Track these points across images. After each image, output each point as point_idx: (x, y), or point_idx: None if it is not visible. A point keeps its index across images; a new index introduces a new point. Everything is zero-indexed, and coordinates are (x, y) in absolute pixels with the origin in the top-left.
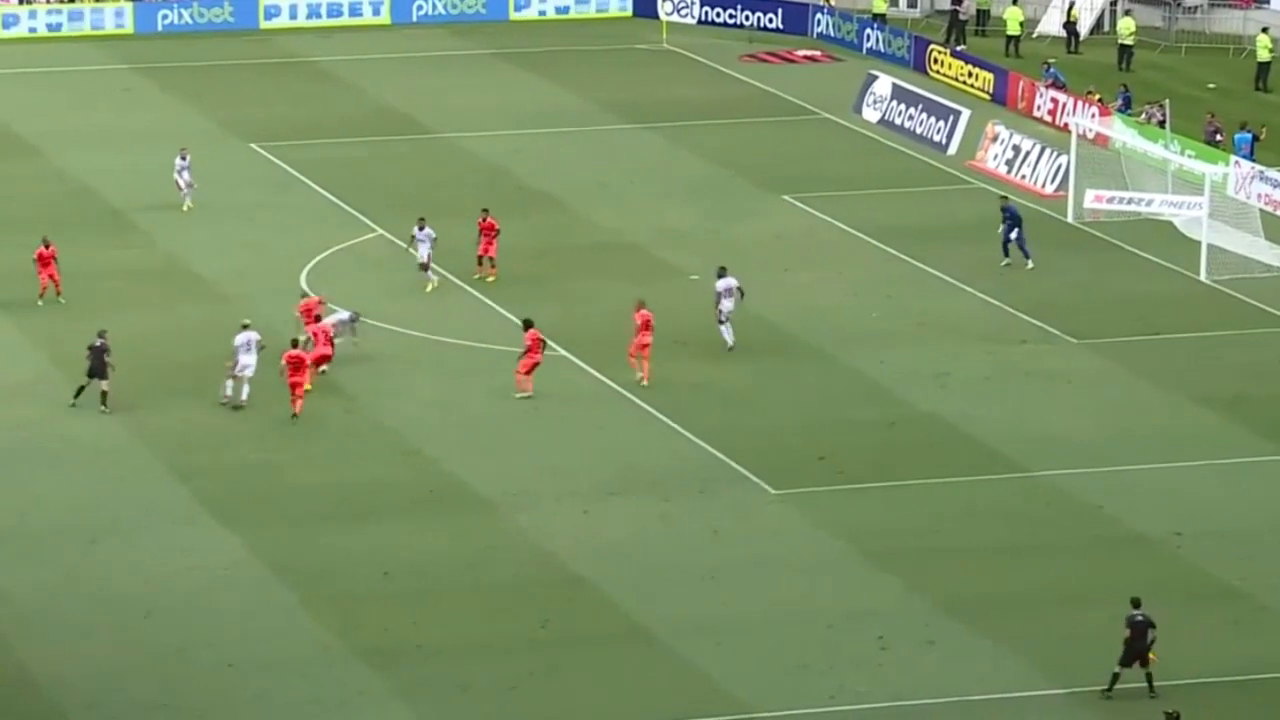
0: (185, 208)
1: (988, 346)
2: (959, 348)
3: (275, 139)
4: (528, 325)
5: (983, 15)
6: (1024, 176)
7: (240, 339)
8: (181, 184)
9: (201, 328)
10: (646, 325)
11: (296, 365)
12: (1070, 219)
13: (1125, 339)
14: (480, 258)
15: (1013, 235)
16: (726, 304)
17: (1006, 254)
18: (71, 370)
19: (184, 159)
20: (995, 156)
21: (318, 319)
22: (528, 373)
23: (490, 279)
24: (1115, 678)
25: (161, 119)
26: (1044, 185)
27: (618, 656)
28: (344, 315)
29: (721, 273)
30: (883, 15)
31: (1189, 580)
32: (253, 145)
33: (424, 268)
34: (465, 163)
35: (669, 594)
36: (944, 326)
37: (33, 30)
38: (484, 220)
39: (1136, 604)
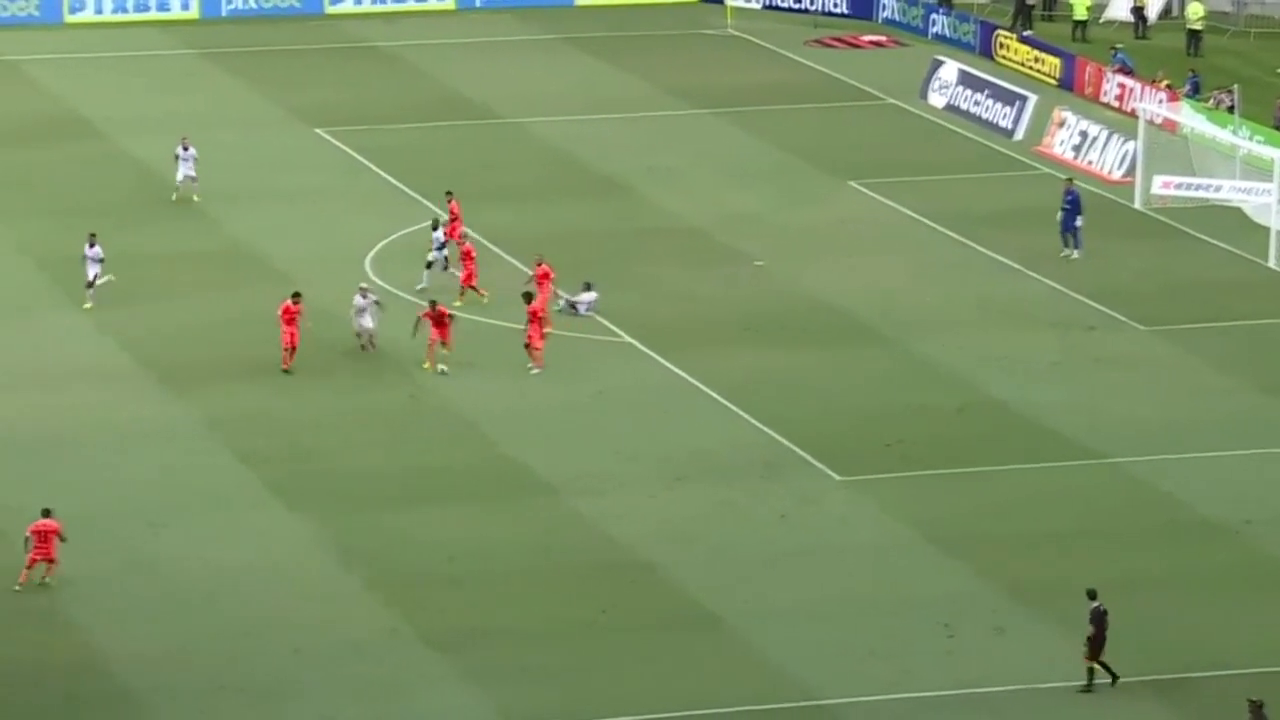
0: (176, 197)
1: (1055, 332)
2: (1026, 333)
3: (340, 124)
4: (529, 299)
5: (1050, 0)
6: (1091, 162)
7: (358, 302)
8: (180, 175)
9: (266, 312)
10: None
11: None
12: (1138, 205)
13: (1193, 325)
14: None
15: (1077, 223)
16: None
17: (1066, 244)
18: (138, 355)
19: (185, 149)
20: (1062, 142)
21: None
22: (540, 344)
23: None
24: (1092, 673)
25: (226, 104)
26: (1111, 171)
27: (683, 642)
28: (588, 297)
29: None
30: (949, 0)
31: (1258, 567)
32: (318, 130)
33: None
34: (530, 147)
35: (734, 580)
36: (1011, 312)
37: (99, 14)
38: (450, 202)
39: (1093, 595)
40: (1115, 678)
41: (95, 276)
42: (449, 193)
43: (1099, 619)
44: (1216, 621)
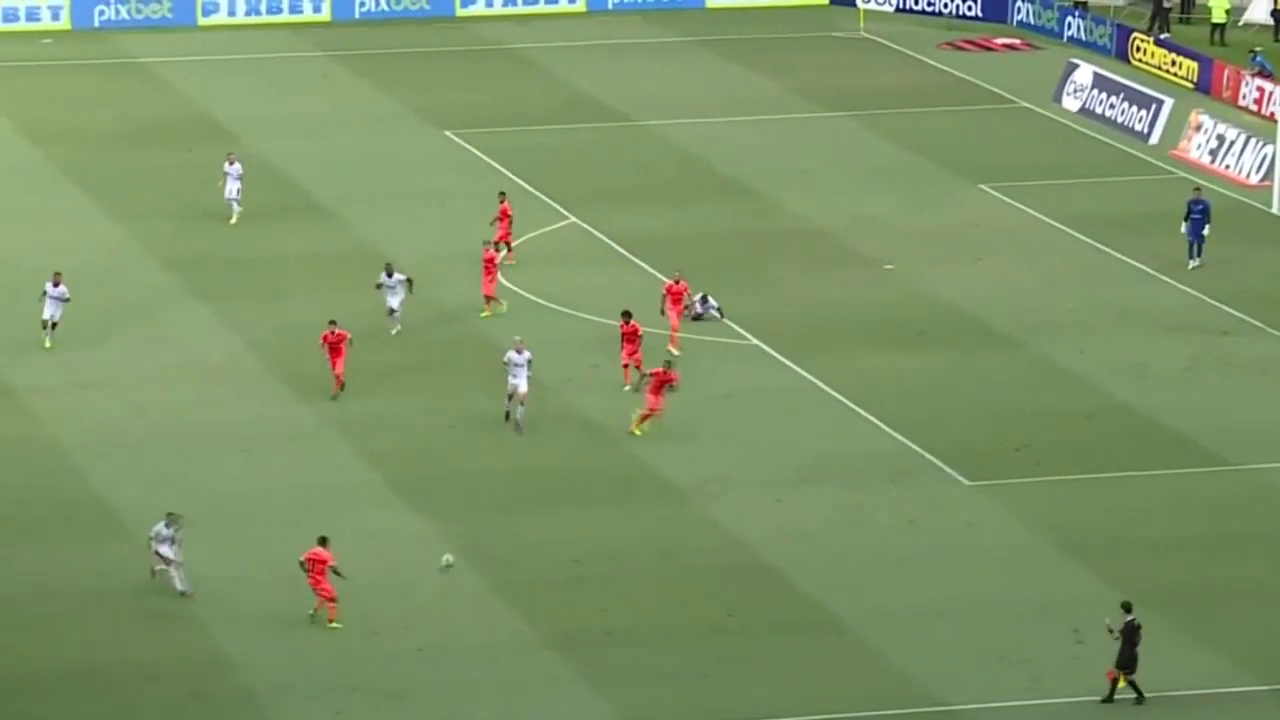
0: (233, 219)
1: (1187, 337)
2: (1158, 338)
3: (469, 126)
4: (627, 317)
5: (1187, 2)
6: (1228, 166)
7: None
8: (230, 193)
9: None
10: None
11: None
12: (1275, 210)
13: None
14: (497, 243)
15: (1204, 231)
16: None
17: (1194, 255)
18: (263, 354)
19: (232, 164)
20: (1199, 146)
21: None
22: (638, 363)
23: (511, 262)
24: (1114, 686)
25: (357, 105)
26: (1249, 176)
27: (808, 646)
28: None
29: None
30: (1084, 3)
31: None
32: (446, 132)
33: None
34: (660, 150)
35: (860, 583)
36: (1143, 317)
37: (231, 16)
38: (502, 203)
39: (1128, 608)
40: (1141, 696)
41: (53, 318)
42: (502, 193)
43: (1129, 633)
44: None
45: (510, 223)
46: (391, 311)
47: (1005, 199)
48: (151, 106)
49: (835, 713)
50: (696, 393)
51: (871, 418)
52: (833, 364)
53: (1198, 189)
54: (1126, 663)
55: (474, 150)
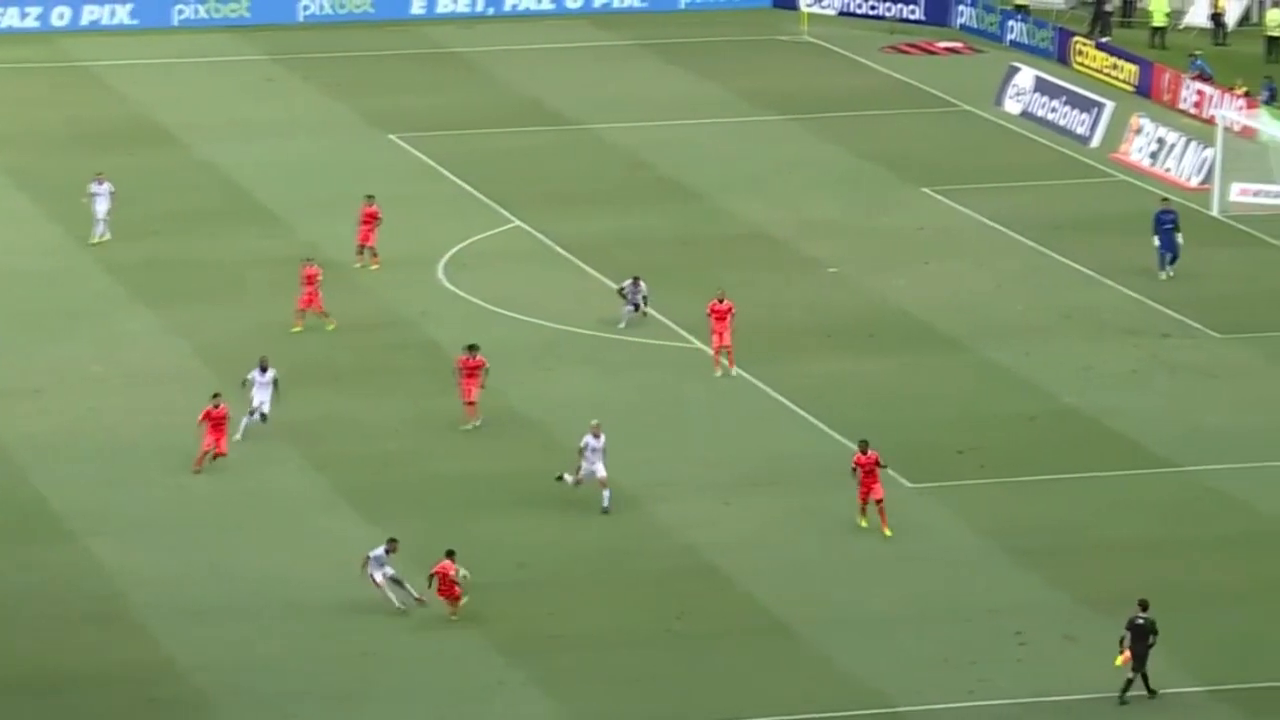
0: (95, 240)
1: (1131, 340)
2: (1102, 341)
3: (414, 129)
4: (864, 447)
5: (1128, 6)
6: (1168, 169)
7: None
8: (99, 213)
9: (340, 317)
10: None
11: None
12: (1215, 212)
13: (1271, 333)
14: (361, 247)
15: (1179, 240)
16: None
17: (1163, 265)
18: (211, 359)
19: (101, 184)
20: (1139, 149)
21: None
22: (876, 499)
23: (374, 268)
24: (1129, 684)
25: (302, 110)
26: (1189, 178)
27: (756, 649)
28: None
29: None
30: (1025, 7)
31: None
32: (391, 136)
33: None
34: (605, 154)
35: (808, 587)
36: (1086, 320)
37: (179, 19)
38: (368, 207)
39: (1144, 606)
40: (1152, 692)
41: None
42: (369, 196)
43: (1134, 630)
44: None
45: (375, 226)
46: (253, 413)
47: (948, 202)
48: (98, 110)
49: (783, 715)
50: (643, 395)
51: (818, 421)
52: (780, 367)
53: (1165, 200)
54: (1139, 660)
55: (418, 154)
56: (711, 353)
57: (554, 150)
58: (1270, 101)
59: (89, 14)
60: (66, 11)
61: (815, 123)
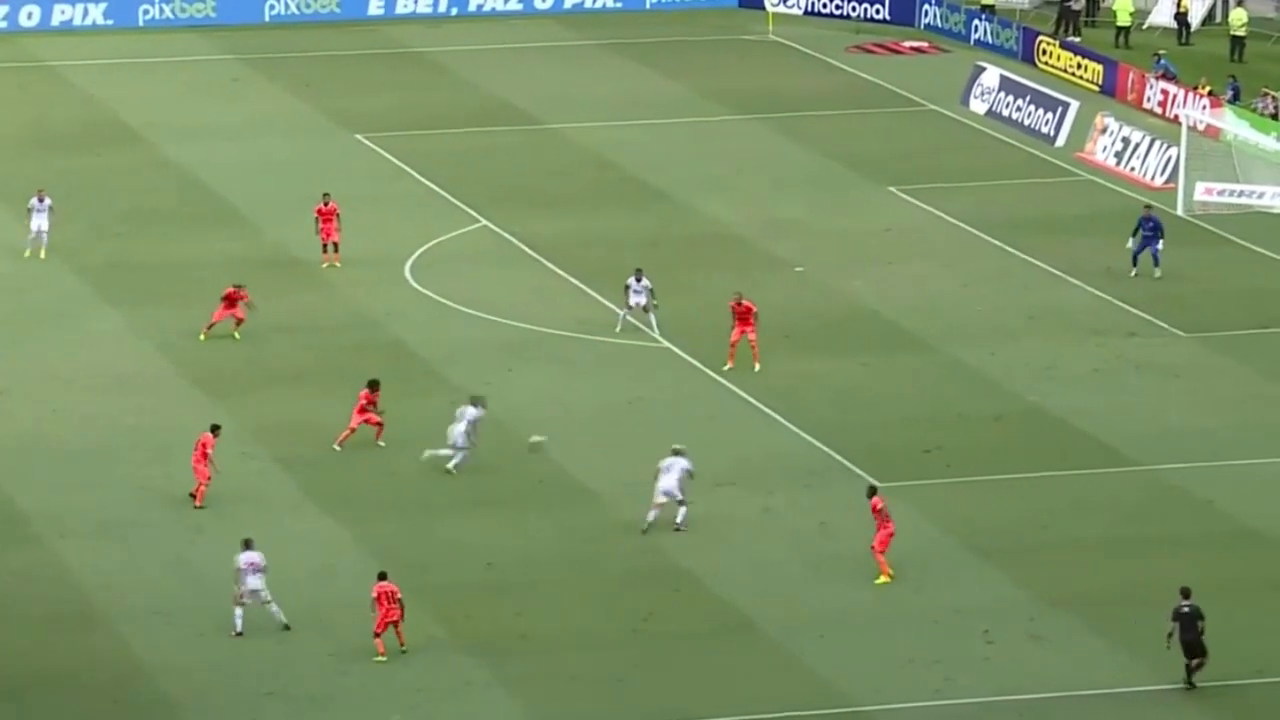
0: (28, 254)
1: (1096, 339)
2: (1067, 341)
3: (380, 129)
4: (871, 492)
5: (1092, 6)
6: (1133, 169)
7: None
8: (33, 229)
9: (307, 317)
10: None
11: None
12: (1180, 211)
13: (1235, 332)
14: (324, 245)
15: (1159, 246)
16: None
17: (1136, 264)
18: (176, 359)
19: (41, 201)
20: (1104, 148)
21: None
22: (884, 548)
23: (336, 265)
24: (1190, 670)
25: (268, 110)
26: (1153, 177)
27: (723, 649)
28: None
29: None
30: (991, 6)
31: None
32: (358, 136)
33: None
34: (571, 153)
35: (774, 586)
36: (1052, 319)
37: (144, 19)
38: (325, 205)
39: (1186, 594)
40: (1190, 685)
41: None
42: (326, 194)
43: (1180, 619)
44: (1257, 629)
45: (335, 223)
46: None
47: (914, 201)
48: (63, 110)
49: (749, 714)
50: (610, 396)
51: (785, 421)
52: (747, 367)
53: (1149, 207)
54: (1187, 648)
55: (385, 154)
56: (730, 347)
57: (521, 150)
58: (1234, 101)
59: (59, 14)
60: (35, 11)
61: (781, 122)
